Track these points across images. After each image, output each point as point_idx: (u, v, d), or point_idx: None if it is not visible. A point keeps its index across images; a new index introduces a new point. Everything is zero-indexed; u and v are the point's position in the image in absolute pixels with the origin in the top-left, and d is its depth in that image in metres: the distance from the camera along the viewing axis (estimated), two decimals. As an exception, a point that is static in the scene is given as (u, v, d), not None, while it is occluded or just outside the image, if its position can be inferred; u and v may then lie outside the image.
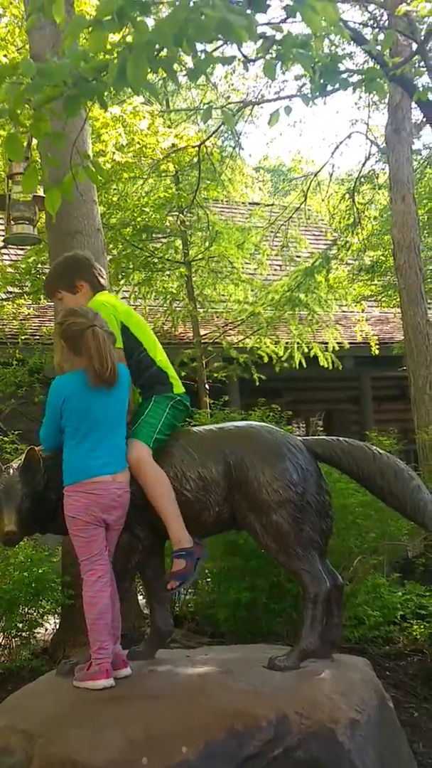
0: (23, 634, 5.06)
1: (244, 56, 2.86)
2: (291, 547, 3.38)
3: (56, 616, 5.40)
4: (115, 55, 2.07)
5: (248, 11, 2.15)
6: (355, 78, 2.99)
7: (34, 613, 5.07)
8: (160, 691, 3.12)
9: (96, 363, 3.26)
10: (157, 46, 2.06)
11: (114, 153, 8.45)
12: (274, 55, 2.53)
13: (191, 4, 1.95)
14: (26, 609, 5.04)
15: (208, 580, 5.38)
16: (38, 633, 5.25)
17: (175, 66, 2.20)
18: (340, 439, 3.70)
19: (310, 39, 2.53)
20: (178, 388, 3.62)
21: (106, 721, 2.86)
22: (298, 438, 3.69)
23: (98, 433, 3.32)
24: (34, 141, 3.53)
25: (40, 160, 4.51)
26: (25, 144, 4.31)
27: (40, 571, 4.99)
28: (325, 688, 3.08)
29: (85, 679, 3.19)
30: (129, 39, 2.11)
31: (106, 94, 2.28)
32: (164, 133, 8.87)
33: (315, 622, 3.33)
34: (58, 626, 5.40)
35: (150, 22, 2.09)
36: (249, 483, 3.41)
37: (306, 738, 2.86)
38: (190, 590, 5.63)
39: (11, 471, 3.39)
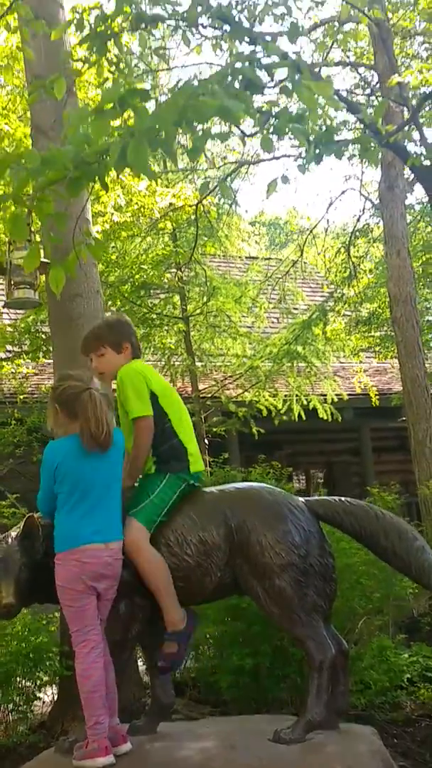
0: (20, 707, 4.92)
1: (242, 132, 2.92)
2: (294, 612, 3.34)
3: (54, 687, 5.27)
4: (117, 138, 2.11)
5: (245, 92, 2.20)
6: (350, 147, 3.05)
7: (32, 686, 4.94)
8: (163, 768, 3.06)
9: (92, 426, 3.25)
10: (157, 128, 2.10)
11: (113, 213, 8.58)
12: (270, 129, 2.59)
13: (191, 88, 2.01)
14: (23, 681, 4.92)
15: (210, 644, 5.28)
16: (36, 706, 5.12)
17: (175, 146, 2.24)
18: (342, 499, 3.68)
19: (305, 113, 2.58)
20: (195, 466, 3.58)
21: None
22: (300, 499, 3.67)
23: (91, 499, 3.29)
24: (37, 218, 3.58)
25: (41, 239, 4.56)
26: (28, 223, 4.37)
27: (37, 641, 4.88)
28: (333, 762, 3.02)
29: (85, 757, 3.11)
30: (130, 122, 2.16)
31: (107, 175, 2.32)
32: (162, 192, 9.00)
33: (321, 692, 3.27)
34: (55, 698, 5.27)
35: (150, 104, 2.15)
36: (251, 546, 3.38)
37: None
38: (191, 656, 5.54)
39: (9, 540, 3.36)
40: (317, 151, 2.86)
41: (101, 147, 2.16)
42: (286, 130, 2.63)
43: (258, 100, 2.65)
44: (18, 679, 4.86)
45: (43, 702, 5.24)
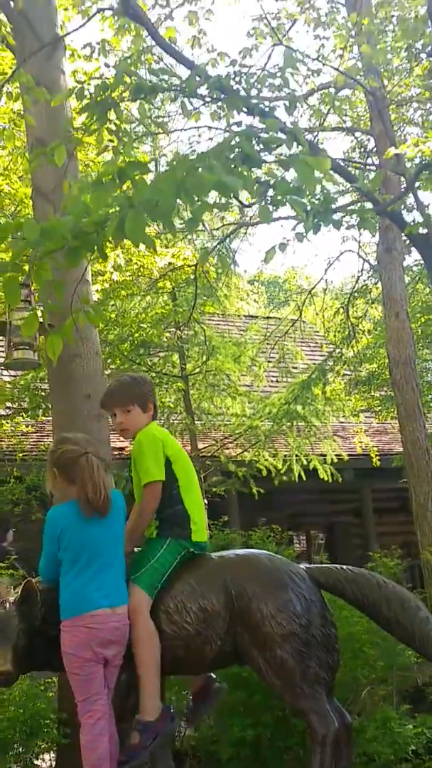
0: (18, 777, 4.80)
1: (240, 203, 2.96)
2: (297, 684, 3.28)
3: (52, 754, 5.13)
4: (116, 209, 2.13)
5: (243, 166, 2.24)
6: (348, 217, 3.09)
7: (29, 754, 4.82)
8: None
9: (89, 491, 3.24)
10: (155, 199, 2.13)
11: (112, 273, 8.67)
12: (268, 200, 2.62)
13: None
14: (21, 749, 4.79)
15: (210, 713, 5.15)
16: (34, 774, 4.98)
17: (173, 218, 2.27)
18: (344, 567, 3.65)
19: (302, 185, 2.62)
20: (198, 535, 3.56)
21: None
22: (301, 566, 3.63)
23: (97, 563, 3.26)
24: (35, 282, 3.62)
25: (40, 302, 4.60)
26: (24, 289, 4.42)
27: (35, 707, 4.78)
28: None
29: None
30: (130, 192, 2.19)
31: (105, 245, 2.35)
32: (161, 252, 9.11)
33: (324, 766, 3.19)
34: (53, 767, 5.13)
35: (149, 177, 2.18)
36: (251, 614, 3.33)
37: None
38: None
39: (7, 605, 3.31)
40: (315, 220, 2.89)
41: (100, 218, 2.19)
42: (284, 201, 2.66)
43: (256, 170, 2.69)
44: (15, 746, 4.74)
45: (41, 771, 5.10)
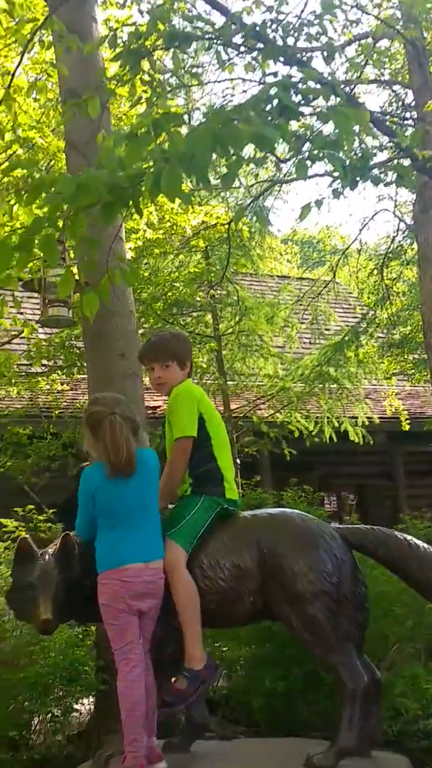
0: (58, 718, 4.97)
1: (277, 158, 2.92)
2: (327, 640, 3.32)
3: (91, 699, 5.29)
4: (151, 163, 2.12)
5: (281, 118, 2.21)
6: (385, 174, 3.04)
7: (69, 698, 4.98)
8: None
9: (111, 453, 3.28)
10: (191, 153, 2.11)
11: (145, 230, 8.63)
12: (305, 154, 2.59)
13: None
14: (61, 693, 4.96)
15: (242, 665, 5.25)
16: (73, 717, 5.15)
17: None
18: (375, 528, 3.66)
19: (340, 138, 2.58)
20: (230, 493, 3.59)
21: None
22: (332, 526, 3.66)
23: (129, 520, 3.31)
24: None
25: (75, 262, 4.59)
26: (59, 246, 4.41)
27: (75, 654, 4.93)
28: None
29: None
30: (165, 146, 2.17)
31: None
32: (195, 210, 9.04)
33: (353, 720, 3.24)
34: (92, 710, 5.29)
35: (184, 129, 2.16)
36: (283, 573, 3.37)
37: None
38: (223, 675, 5.51)
39: (47, 557, 3.38)
40: (352, 176, 2.85)
41: (135, 172, 2.17)
42: (321, 155, 2.62)
43: (293, 123, 2.64)
44: (56, 690, 4.89)
45: (80, 713, 5.27)
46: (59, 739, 4.93)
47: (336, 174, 2.73)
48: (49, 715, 4.95)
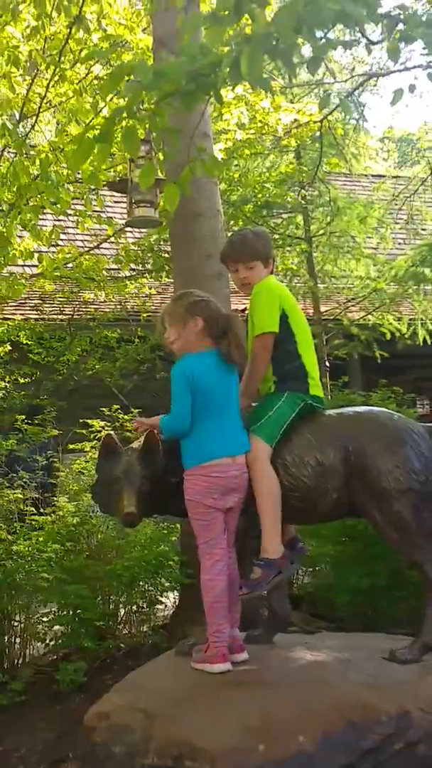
0: (144, 610, 5.20)
1: (367, 39, 2.77)
2: (412, 537, 3.32)
3: (176, 593, 5.51)
4: (232, 48, 2.03)
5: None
6: None
7: (154, 591, 5.20)
8: (278, 678, 3.15)
9: (233, 348, 3.31)
10: (275, 36, 2.01)
11: (235, 131, 8.42)
12: (398, 35, 2.44)
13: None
14: (146, 586, 5.17)
15: (327, 563, 5.34)
16: (158, 609, 5.38)
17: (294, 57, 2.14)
18: (466, 426, 3.58)
19: (436, 16, 2.41)
20: (315, 389, 3.57)
21: (223, 706, 2.90)
22: (421, 425, 3.59)
23: (220, 414, 3.33)
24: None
25: (159, 155, 4.52)
26: (145, 145, 4.34)
27: (159, 549, 5.10)
28: (449, 684, 3.02)
29: (203, 661, 3.24)
30: (247, 30, 2.07)
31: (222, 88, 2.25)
32: (286, 108, 8.74)
33: (438, 616, 3.26)
34: (177, 604, 5.52)
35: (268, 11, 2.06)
36: (369, 470, 3.35)
37: (430, 734, 2.82)
38: (308, 572, 5.62)
39: (131, 453, 3.45)
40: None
41: (216, 58, 2.09)
42: (415, 36, 2.47)
43: (385, 4, 2.48)
44: (141, 584, 5.10)
45: (165, 606, 5.50)
46: (144, 630, 5.17)
47: None
48: (135, 606, 5.18)
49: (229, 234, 4.94)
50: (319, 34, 2.12)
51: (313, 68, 2.20)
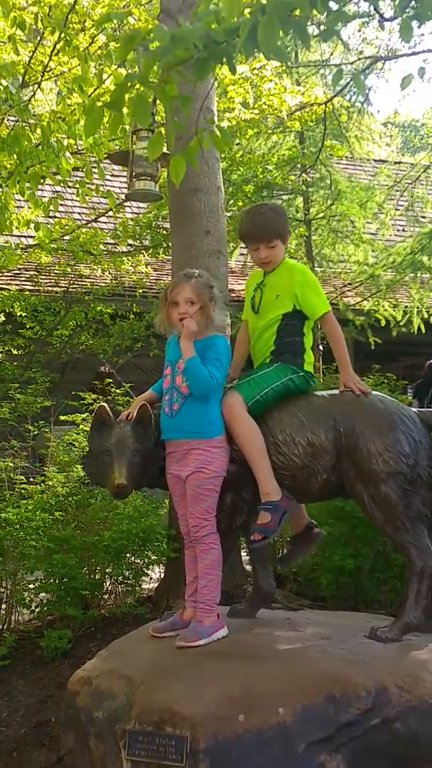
0: (129, 581, 5.24)
1: (380, 15, 2.74)
2: (399, 519, 3.34)
3: (161, 566, 5.55)
4: (247, 17, 2.02)
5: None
6: None
7: (140, 563, 5.23)
8: (260, 651, 3.17)
9: None
10: (291, 5, 2.00)
11: (240, 110, 8.38)
12: (411, 13, 2.43)
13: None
14: (133, 558, 5.20)
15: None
16: (143, 581, 5.42)
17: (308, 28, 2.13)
18: (456, 412, 3.60)
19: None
20: (309, 367, 3.62)
21: (206, 675, 2.93)
22: (413, 409, 3.62)
23: None
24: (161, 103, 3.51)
25: (165, 124, 4.50)
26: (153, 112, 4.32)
27: (147, 522, 5.13)
28: (428, 663, 3.05)
29: (209, 635, 3.24)
30: (263, 0, 2.06)
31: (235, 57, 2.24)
32: (291, 90, 8.69)
33: (420, 597, 3.29)
34: (162, 577, 5.56)
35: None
36: (358, 452, 3.37)
37: (406, 711, 2.86)
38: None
39: (122, 425, 3.46)
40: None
41: (232, 26, 2.08)
42: (429, 15, 2.45)
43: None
44: (128, 555, 5.14)
45: (150, 579, 5.54)
46: (129, 601, 5.20)
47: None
48: (121, 578, 5.22)
49: (229, 214, 4.92)
50: (334, 6, 2.11)
51: (326, 38, 2.19)
